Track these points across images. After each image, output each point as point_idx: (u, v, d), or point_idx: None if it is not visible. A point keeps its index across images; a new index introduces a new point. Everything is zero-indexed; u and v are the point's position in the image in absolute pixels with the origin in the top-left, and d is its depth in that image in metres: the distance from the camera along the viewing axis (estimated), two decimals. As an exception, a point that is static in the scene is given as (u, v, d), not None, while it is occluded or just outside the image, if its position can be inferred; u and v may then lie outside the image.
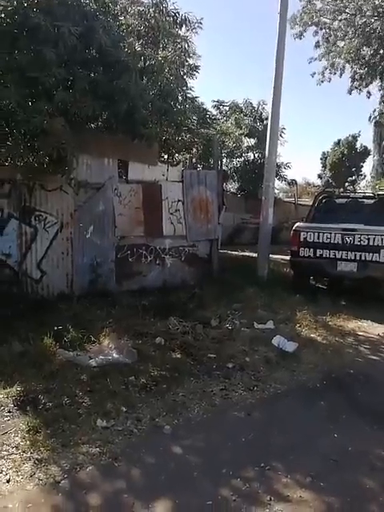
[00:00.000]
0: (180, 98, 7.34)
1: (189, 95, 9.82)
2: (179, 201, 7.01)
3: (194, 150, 11.58)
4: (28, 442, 2.66)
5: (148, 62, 6.46)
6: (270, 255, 8.44)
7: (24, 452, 2.59)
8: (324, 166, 26.71)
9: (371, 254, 6.29)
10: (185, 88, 8.23)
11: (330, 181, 24.21)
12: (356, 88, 14.53)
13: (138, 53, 6.02)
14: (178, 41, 7.52)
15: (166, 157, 9.31)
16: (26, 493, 2.27)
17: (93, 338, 4.20)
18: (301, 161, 57.35)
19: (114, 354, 3.93)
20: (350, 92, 14.60)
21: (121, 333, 4.33)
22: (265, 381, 3.76)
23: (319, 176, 28.40)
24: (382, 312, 6.01)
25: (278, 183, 18.15)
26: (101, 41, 4.99)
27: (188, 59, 8.35)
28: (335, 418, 3.18)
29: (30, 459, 2.53)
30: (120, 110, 5.13)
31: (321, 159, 27.51)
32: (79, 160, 5.40)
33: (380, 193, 8.62)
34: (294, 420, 3.14)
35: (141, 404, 3.23)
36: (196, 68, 8.91)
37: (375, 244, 6.28)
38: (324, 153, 27.48)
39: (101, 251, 5.97)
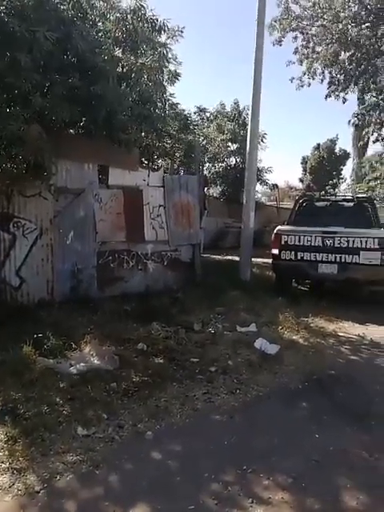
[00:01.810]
0: (159, 104, 7.38)
1: (169, 101, 9.89)
2: (161, 206, 7.01)
3: (176, 155, 11.65)
4: (6, 452, 2.61)
5: (126, 67, 6.47)
6: (253, 259, 8.51)
7: (2, 462, 2.53)
8: (305, 170, 27.11)
9: (351, 256, 6.40)
10: (165, 94, 8.27)
11: (311, 184, 24.57)
12: (333, 93, 14.79)
13: (115, 58, 6.02)
14: (157, 47, 7.56)
15: (147, 162, 9.32)
16: (5, 504, 2.22)
17: (74, 345, 4.15)
18: (283, 165, 58.15)
19: (96, 361, 3.88)
20: (326, 97, 14.86)
21: (102, 339, 4.28)
22: (247, 384, 3.77)
23: (300, 180, 28.80)
24: (362, 313, 6.12)
25: (259, 187, 18.36)
26: (78, 46, 4.98)
27: (168, 65, 8.40)
28: (317, 418, 3.20)
29: (8, 470, 2.47)
30: (98, 115, 5.12)
31: (301, 163, 27.93)
32: (58, 166, 5.36)
33: (359, 196, 8.78)
34: (276, 422, 3.15)
35: (122, 410, 3.20)
36: (177, 75, 8.97)
37: (355, 246, 6.40)
38: (304, 157, 27.89)
39: (82, 257, 5.91)
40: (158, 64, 7.33)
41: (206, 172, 15.29)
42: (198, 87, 53.75)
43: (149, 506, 2.25)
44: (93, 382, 3.47)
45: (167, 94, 9.10)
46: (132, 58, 6.73)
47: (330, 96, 14.62)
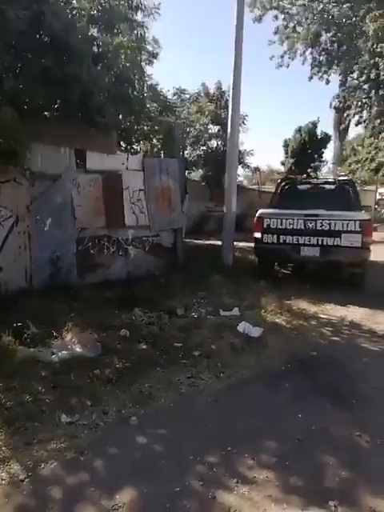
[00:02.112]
0: (137, 85, 7.20)
1: (148, 83, 9.66)
2: (141, 190, 6.90)
3: (156, 138, 11.44)
4: (-12, 443, 2.56)
5: (102, 47, 6.26)
6: (235, 242, 8.52)
7: (-16, 453, 2.49)
8: (286, 153, 27.03)
9: (333, 239, 6.45)
10: (143, 75, 8.07)
11: (293, 168, 24.56)
12: (315, 74, 14.70)
13: (91, 38, 5.82)
14: (135, 27, 7.34)
15: (125, 146, 9.14)
16: (-11, 494, 2.19)
17: (55, 334, 4.07)
18: (265, 148, 58.14)
19: (78, 349, 3.84)
20: (310, 79, 14.76)
21: (84, 326, 4.22)
22: (231, 367, 3.79)
23: (282, 163, 28.73)
24: (343, 295, 6.21)
25: (241, 171, 18.31)
26: (51, 25, 4.78)
27: (146, 45, 8.18)
28: (299, 399, 3.25)
29: (-9, 460, 2.43)
30: (73, 97, 4.96)
31: (283, 146, 27.82)
32: (33, 150, 5.17)
33: (340, 178, 8.83)
34: (260, 403, 3.19)
35: (106, 397, 3.18)
36: (155, 55, 8.76)
37: (336, 229, 6.44)
38: (286, 140, 27.78)
39: (60, 244, 5.79)
40: (135, 44, 7.13)
41: (187, 155, 15.14)
42: (180, 70, 53.03)
43: (135, 490, 2.25)
44: (75, 370, 3.43)
45: (145, 75, 8.89)
46: (108, 37, 6.53)
47: (313, 78, 14.55)
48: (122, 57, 6.49)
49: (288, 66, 14.48)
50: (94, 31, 6.57)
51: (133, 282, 6.11)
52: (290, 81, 53.59)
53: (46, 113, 6.08)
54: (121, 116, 7.30)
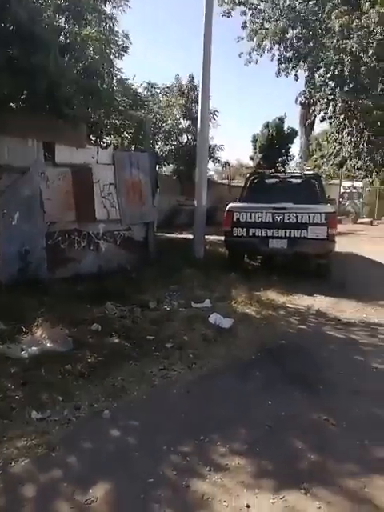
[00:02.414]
0: (107, 78, 7.09)
1: (118, 76, 9.52)
2: (111, 184, 6.84)
3: (126, 132, 11.32)
4: None
5: (70, 38, 6.13)
6: (207, 236, 8.58)
7: None
8: (255, 148, 27.39)
9: (300, 231, 6.63)
10: (112, 68, 7.96)
11: (262, 162, 24.92)
12: (283, 71, 14.91)
13: (57, 28, 5.68)
14: (103, 18, 7.21)
15: (95, 139, 9.00)
16: None
17: (24, 329, 4.00)
18: (234, 143, 58.53)
19: (48, 344, 3.79)
20: (277, 75, 14.96)
21: (55, 321, 4.17)
22: (203, 357, 3.84)
23: (251, 158, 29.11)
24: (310, 285, 6.40)
25: (211, 165, 18.43)
26: (17, 14, 4.63)
27: (115, 38, 8.06)
28: (269, 387, 3.34)
29: None
30: (40, 87, 4.84)
31: (252, 141, 28.16)
32: (-1, 142, 5.04)
33: (306, 173, 9.04)
34: (231, 393, 3.25)
35: (78, 392, 3.15)
36: (125, 49, 8.65)
37: (303, 221, 6.62)
38: (255, 135, 28.11)
39: (29, 238, 5.66)
40: (104, 36, 7.02)
41: (158, 150, 15.07)
42: (154, 64, 52.47)
43: (109, 483, 2.26)
44: (46, 365, 3.38)
45: (115, 68, 8.77)
46: (76, 28, 6.39)
47: (280, 74, 14.75)
48: (91, 49, 6.38)
49: (257, 62, 14.63)
50: (61, 21, 6.42)
51: (104, 276, 6.06)
52: (259, 76, 54.08)
53: (12, 104, 5.91)
54: (90, 109, 7.18)
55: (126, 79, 10.01)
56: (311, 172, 11.35)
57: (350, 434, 2.69)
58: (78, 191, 6.25)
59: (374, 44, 10.60)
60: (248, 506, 2.11)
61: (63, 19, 6.53)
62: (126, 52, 8.71)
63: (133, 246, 7.18)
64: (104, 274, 6.23)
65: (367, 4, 10.35)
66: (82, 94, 5.96)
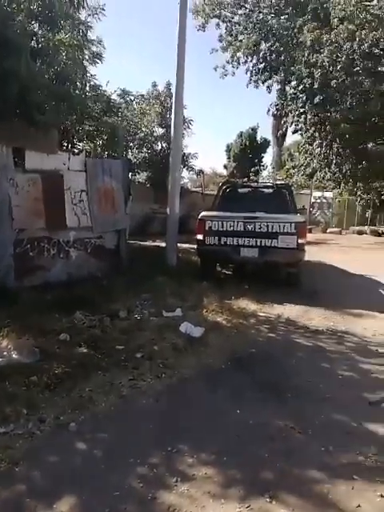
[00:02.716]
0: (79, 84, 7.06)
1: (91, 83, 9.48)
2: (83, 191, 6.76)
3: (99, 139, 11.26)
4: None
5: (42, 43, 6.08)
6: (180, 244, 8.60)
7: None
8: (229, 157, 27.79)
9: (270, 240, 6.73)
10: (85, 74, 7.92)
11: (235, 171, 25.29)
12: (255, 82, 15.24)
13: (29, 32, 5.63)
14: (77, 25, 7.19)
15: (67, 145, 8.91)
16: None
17: (-11, 340, 3.89)
18: (209, 152, 59.13)
19: (14, 355, 3.69)
20: (247, 85, 15.29)
21: (21, 332, 4.07)
22: (173, 367, 3.82)
23: (225, 166, 29.50)
24: (280, 293, 6.50)
25: (186, 173, 18.52)
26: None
27: (89, 45, 8.04)
28: (238, 395, 3.36)
29: None
30: (10, 92, 4.77)
31: (226, 150, 28.56)
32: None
33: (278, 183, 9.23)
34: (200, 402, 3.26)
35: (44, 404, 3.08)
36: (99, 56, 8.63)
37: (274, 230, 6.73)
38: (228, 144, 28.54)
39: (-4, 246, 5.52)
40: (77, 42, 6.99)
41: (132, 157, 15.04)
42: (131, 71, 52.58)
43: (73, 497, 2.21)
44: (11, 377, 3.29)
45: (89, 74, 8.73)
46: (49, 33, 6.34)
47: (250, 83, 15.08)
48: (63, 54, 6.34)
49: (233, 74, 14.93)
50: (34, 26, 6.37)
51: (74, 285, 5.96)
52: (235, 85, 54.80)
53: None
54: (62, 115, 7.12)
55: (99, 85, 9.98)
56: (282, 182, 11.58)
57: (315, 441, 2.73)
58: (49, 198, 6.14)
59: (343, 58, 10.99)
60: (214, 517, 2.11)
61: (36, 24, 6.49)
62: (100, 59, 8.70)
63: (104, 253, 7.10)
64: (74, 283, 6.13)
65: (336, 20, 10.75)
66: (53, 100, 5.91)
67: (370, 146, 12.14)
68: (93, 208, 6.86)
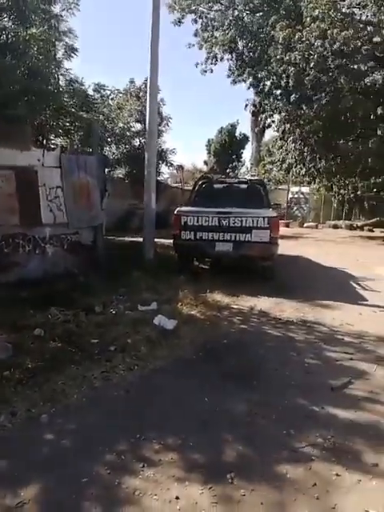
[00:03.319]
0: (52, 78, 7.03)
1: (66, 77, 9.41)
2: (58, 187, 6.74)
3: (76, 134, 11.17)
4: None
5: (13, 38, 6.03)
6: (158, 239, 8.66)
7: None
8: (209, 153, 27.90)
9: (244, 235, 6.87)
10: (58, 68, 7.88)
11: (215, 167, 25.42)
12: (232, 79, 15.32)
13: (-1, 27, 5.58)
14: (48, 18, 7.14)
15: (42, 141, 8.85)
16: None
17: None
18: (191, 147, 59.06)
19: (-14, 351, 3.71)
20: (231, 81, 15.34)
21: (-6, 328, 4.09)
22: (145, 359, 3.90)
23: (205, 162, 29.61)
24: (254, 286, 6.64)
25: (165, 169, 18.53)
26: None
27: (63, 37, 7.98)
28: (207, 384, 3.46)
29: None
30: (-21, 87, 4.73)
31: (206, 146, 28.68)
32: None
33: (252, 178, 9.37)
34: (170, 391, 3.35)
35: (16, 398, 3.11)
36: (74, 50, 8.57)
37: (247, 225, 6.86)
38: (209, 140, 28.64)
39: (-31, 243, 5.49)
40: (51, 36, 6.95)
41: (110, 153, 14.95)
42: (107, 67, 51.92)
43: (41, 485, 2.27)
44: (-18, 373, 3.33)
45: (63, 69, 8.66)
46: (19, 28, 6.29)
47: (230, 80, 15.16)
48: (35, 49, 6.30)
49: (212, 71, 14.97)
50: (4, 21, 6.31)
51: (50, 281, 5.97)
52: (217, 81, 54.76)
53: None
54: (35, 110, 7.08)
55: (75, 80, 9.91)
56: (256, 178, 11.76)
57: (277, 425, 2.86)
58: (23, 194, 6.11)
59: (315, 56, 11.17)
60: (177, 498, 2.21)
61: (6, 19, 6.42)
62: (74, 53, 8.64)
63: (81, 249, 7.11)
64: (50, 279, 6.13)
65: (308, 19, 10.90)
66: (25, 95, 5.88)
67: (340, 142, 12.40)
68: (68, 204, 6.85)
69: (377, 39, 10.93)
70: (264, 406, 3.10)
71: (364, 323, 5.19)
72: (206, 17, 14.20)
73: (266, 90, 13.72)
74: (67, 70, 8.93)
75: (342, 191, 20.01)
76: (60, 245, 6.79)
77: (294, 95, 12.48)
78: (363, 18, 11.44)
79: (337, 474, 2.40)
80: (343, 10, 10.68)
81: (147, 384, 3.46)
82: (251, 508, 2.14)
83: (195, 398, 3.23)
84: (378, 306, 5.98)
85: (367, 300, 6.43)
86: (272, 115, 13.90)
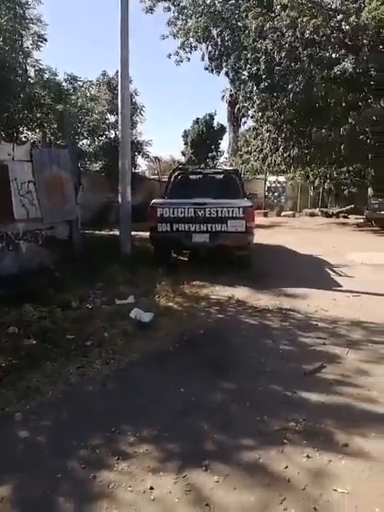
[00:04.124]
0: (19, 69, 6.85)
1: (36, 67, 9.16)
2: (30, 182, 6.62)
3: (49, 127, 10.92)
4: None
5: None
6: (136, 232, 8.60)
7: None
8: (186, 144, 27.74)
9: (220, 225, 6.89)
10: (26, 59, 7.68)
11: (193, 158, 25.33)
12: (208, 68, 15.19)
13: None
14: (12, 6, 6.94)
15: (12, 134, 8.64)
16: None
17: None
18: (169, 138, 58.63)
19: None
20: (209, 70, 15.17)
21: (-34, 327, 4.01)
22: (121, 352, 3.90)
23: (182, 153, 29.45)
24: (230, 276, 6.68)
25: (142, 161, 18.36)
26: None
27: (31, 26, 7.76)
28: (183, 375, 3.49)
29: None
30: None
31: (183, 137, 28.48)
32: None
33: (227, 168, 9.38)
34: (146, 383, 3.36)
35: (-11, 397, 3.09)
36: (42, 38, 8.34)
37: (223, 216, 6.88)
38: (186, 130, 28.45)
39: None
40: (17, 25, 6.75)
41: (85, 146, 14.72)
42: (79, 59, 50.83)
43: (15, 483, 2.26)
44: None
45: (32, 59, 8.45)
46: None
47: (207, 70, 15.02)
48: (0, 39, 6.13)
49: (189, 60, 14.79)
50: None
51: (25, 277, 5.87)
52: (192, 71, 54.27)
53: None
54: (3, 103, 6.90)
55: (45, 70, 9.66)
56: (231, 168, 11.76)
57: (251, 412, 2.91)
58: (-7, 190, 5.98)
59: (286, 45, 11.17)
60: (151, 488, 2.22)
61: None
62: (43, 42, 8.42)
63: (56, 244, 7.01)
64: (25, 275, 6.03)
65: (278, 7, 10.88)
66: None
67: (314, 130, 12.51)
68: (41, 198, 6.73)
69: (346, 27, 11.01)
70: (239, 394, 3.15)
71: (338, 309, 5.30)
72: (178, 4, 13.99)
73: (240, 78, 13.65)
74: (37, 60, 8.70)
75: (317, 180, 20.23)
76: (34, 240, 6.69)
77: (265, 83, 12.44)
78: (333, 6, 11.47)
79: (308, 456, 2.46)
80: (311, -1, 10.69)
81: (123, 377, 3.46)
82: (224, 493, 2.18)
83: (171, 388, 3.25)
84: (352, 292, 6.10)
85: (341, 286, 6.56)
86: (246, 104, 13.87)
